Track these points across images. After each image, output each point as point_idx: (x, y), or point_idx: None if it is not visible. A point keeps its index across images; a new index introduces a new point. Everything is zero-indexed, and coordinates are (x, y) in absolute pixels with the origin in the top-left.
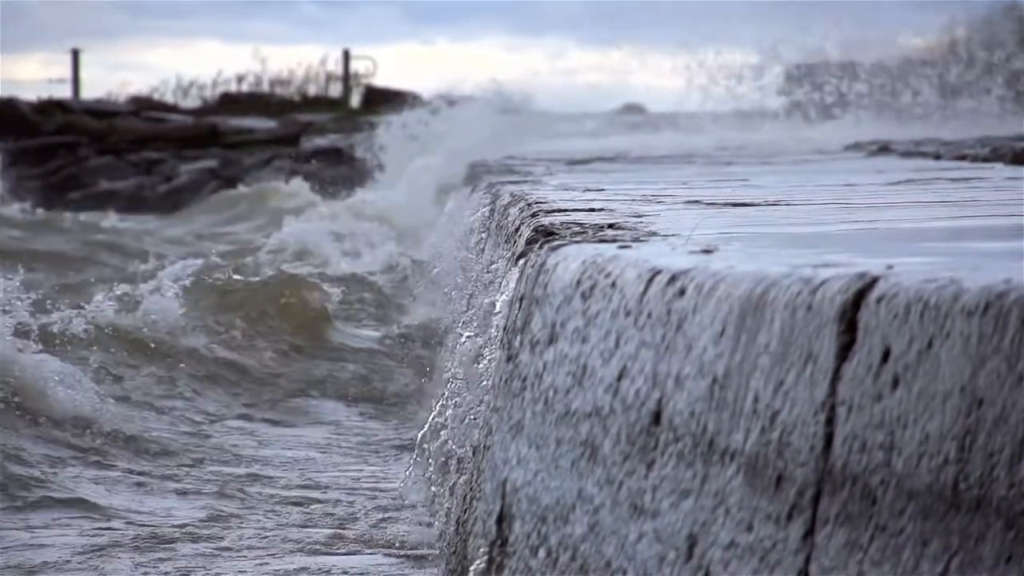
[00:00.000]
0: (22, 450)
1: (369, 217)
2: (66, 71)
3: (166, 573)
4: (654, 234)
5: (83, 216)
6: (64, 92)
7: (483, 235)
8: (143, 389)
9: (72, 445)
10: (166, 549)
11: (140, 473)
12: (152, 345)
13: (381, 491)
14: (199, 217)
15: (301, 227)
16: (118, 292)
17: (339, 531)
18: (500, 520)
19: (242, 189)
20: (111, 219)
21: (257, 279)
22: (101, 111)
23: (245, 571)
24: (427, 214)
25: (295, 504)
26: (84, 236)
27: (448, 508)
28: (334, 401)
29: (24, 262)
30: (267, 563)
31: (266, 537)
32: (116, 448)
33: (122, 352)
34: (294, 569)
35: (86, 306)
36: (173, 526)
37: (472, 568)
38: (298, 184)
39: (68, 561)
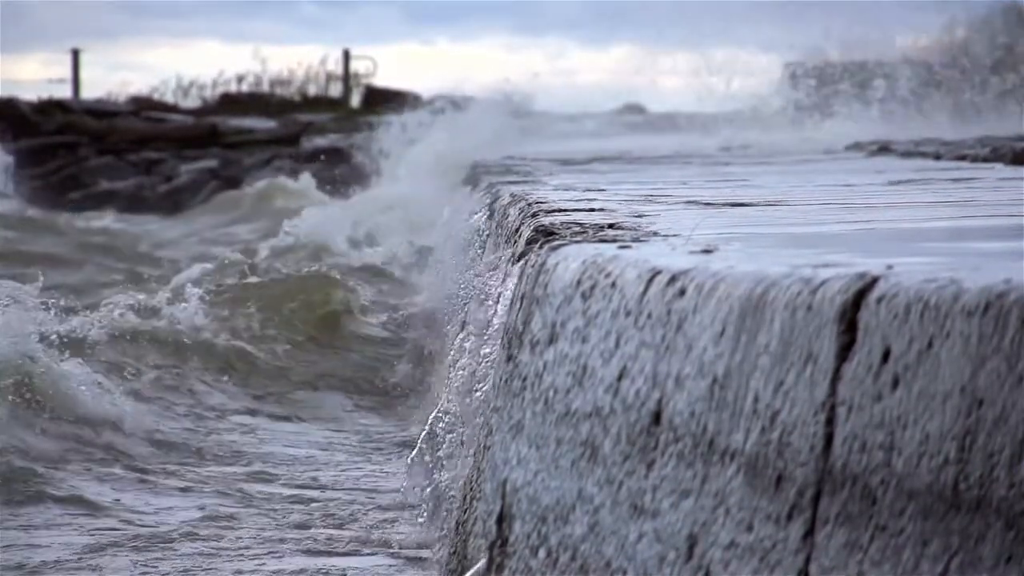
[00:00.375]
0: (30, 446)
1: (382, 208)
2: (66, 71)
3: (165, 573)
4: (654, 234)
5: (90, 219)
6: (64, 92)
7: (480, 250)
8: (157, 385)
9: (79, 441)
10: (165, 548)
11: (143, 470)
12: (171, 342)
13: (382, 490)
14: (204, 218)
15: (318, 217)
16: (139, 295)
17: (339, 531)
18: (500, 520)
19: (248, 188)
20: (118, 221)
21: (277, 277)
22: (101, 111)
23: (243, 571)
24: (436, 205)
25: (295, 503)
26: (97, 240)
27: (447, 516)
28: (342, 395)
29: (38, 266)
30: (265, 563)
31: (265, 537)
32: (121, 445)
33: (139, 350)
34: (293, 570)
35: (109, 308)
36: (173, 525)
37: (472, 568)
38: (306, 181)
39: (67, 560)
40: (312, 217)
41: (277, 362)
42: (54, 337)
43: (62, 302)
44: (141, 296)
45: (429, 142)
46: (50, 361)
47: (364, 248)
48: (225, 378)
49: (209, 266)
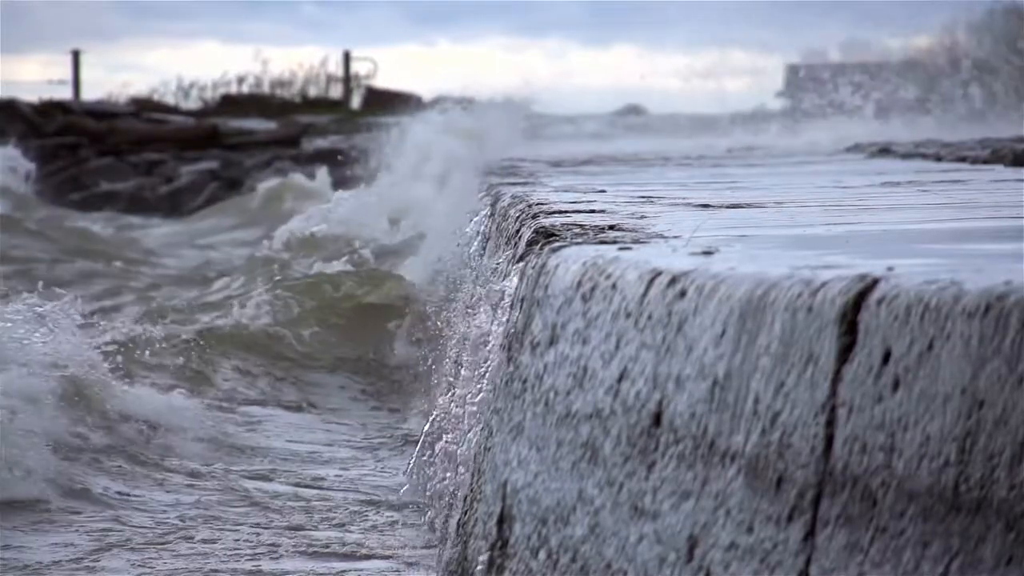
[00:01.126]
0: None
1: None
2: (67, 72)
3: (161, 571)
4: (655, 235)
5: (99, 222)
6: (65, 93)
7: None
8: (180, 374)
9: (92, 434)
10: (161, 548)
11: (150, 464)
12: (209, 333)
13: (383, 489)
14: (213, 220)
15: (350, 203)
16: (174, 307)
17: (339, 533)
18: (500, 522)
19: (260, 186)
20: (129, 227)
21: (307, 273)
22: (102, 112)
23: (239, 572)
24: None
25: (295, 502)
26: (120, 249)
27: (448, 518)
28: (356, 386)
29: (72, 278)
30: (261, 565)
31: (262, 539)
32: (133, 438)
33: (177, 344)
34: (291, 572)
35: (153, 318)
36: (171, 524)
37: (473, 570)
38: (323, 179)
39: (64, 560)
40: (346, 202)
41: (302, 346)
42: (101, 349)
43: (117, 323)
44: (171, 318)
45: (432, 121)
46: (99, 369)
47: (396, 231)
48: (251, 363)
49: (228, 278)
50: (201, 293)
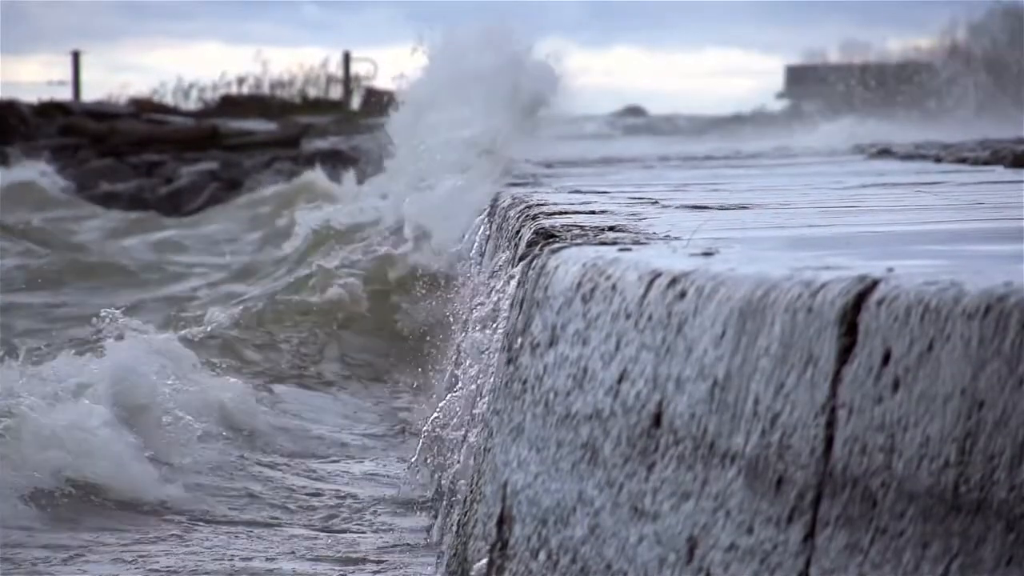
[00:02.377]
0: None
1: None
2: (67, 73)
3: (153, 570)
4: (655, 236)
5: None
6: (65, 94)
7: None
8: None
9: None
10: (153, 545)
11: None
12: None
13: (385, 484)
14: (224, 222)
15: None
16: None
17: (337, 531)
18: (500, 522)
19: (266, 191)
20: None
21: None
22: (102, 113)
23: (234, 571)
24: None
25: (296, 496)
26: (154, 248)
27: (448, 517)
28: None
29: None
30: (254, 565)
31: (263, 536)
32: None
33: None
34: (288, 571)
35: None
36: (166, 521)
37: (473, 570)
38: (350, 183)
39: (52, 558)
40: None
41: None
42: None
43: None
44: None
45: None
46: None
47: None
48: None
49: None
50: (246, 287)
